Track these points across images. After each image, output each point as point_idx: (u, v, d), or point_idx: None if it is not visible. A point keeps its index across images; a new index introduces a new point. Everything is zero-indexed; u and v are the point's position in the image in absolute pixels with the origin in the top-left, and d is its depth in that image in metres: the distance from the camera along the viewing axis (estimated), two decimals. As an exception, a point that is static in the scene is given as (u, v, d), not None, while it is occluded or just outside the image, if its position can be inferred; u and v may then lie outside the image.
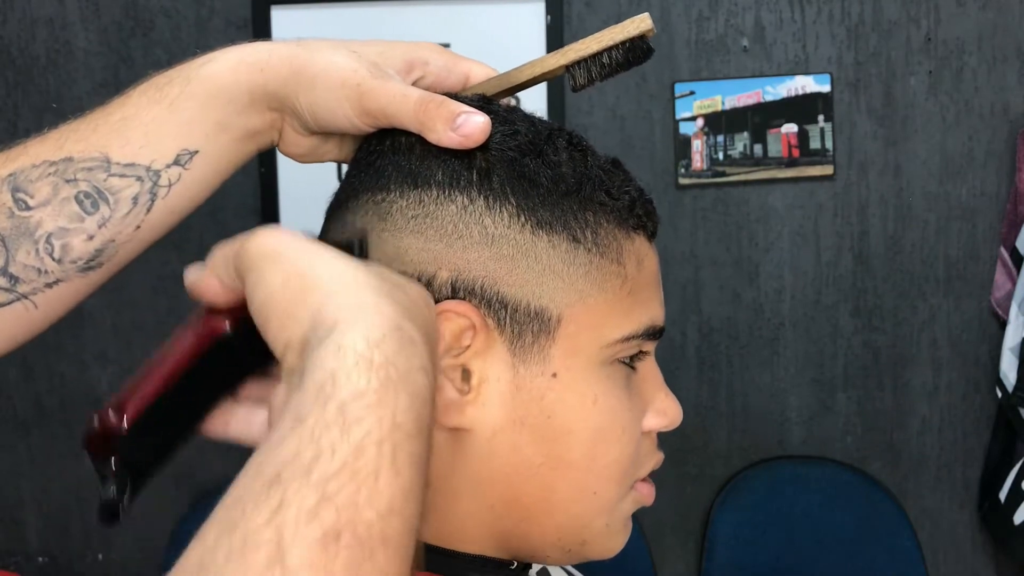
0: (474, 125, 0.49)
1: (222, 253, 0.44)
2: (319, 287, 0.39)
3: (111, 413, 0.43)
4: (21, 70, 1.53)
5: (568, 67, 0.55)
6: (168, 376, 0.44)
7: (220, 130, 0.52)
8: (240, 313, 0.44)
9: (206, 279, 0.44)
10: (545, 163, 0.50)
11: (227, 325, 0.44)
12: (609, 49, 0.54)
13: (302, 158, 0.57)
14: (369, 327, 0.37)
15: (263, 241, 0.42)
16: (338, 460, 0.32)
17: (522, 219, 0.49)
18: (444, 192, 0.49)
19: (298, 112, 0.52)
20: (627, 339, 0.51)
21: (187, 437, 0.47)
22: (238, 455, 0.37)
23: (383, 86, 0.50)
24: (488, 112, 0.50)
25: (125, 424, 0.43)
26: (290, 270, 0.40)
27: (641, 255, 0.53)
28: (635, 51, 0.54)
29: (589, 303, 0.50)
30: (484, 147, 0.50)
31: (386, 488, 0.33)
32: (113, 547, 1.60)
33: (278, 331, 0.39)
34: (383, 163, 0.51)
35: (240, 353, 0.45)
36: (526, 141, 0.50)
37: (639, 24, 0.53)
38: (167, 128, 0.51)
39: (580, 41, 0.54)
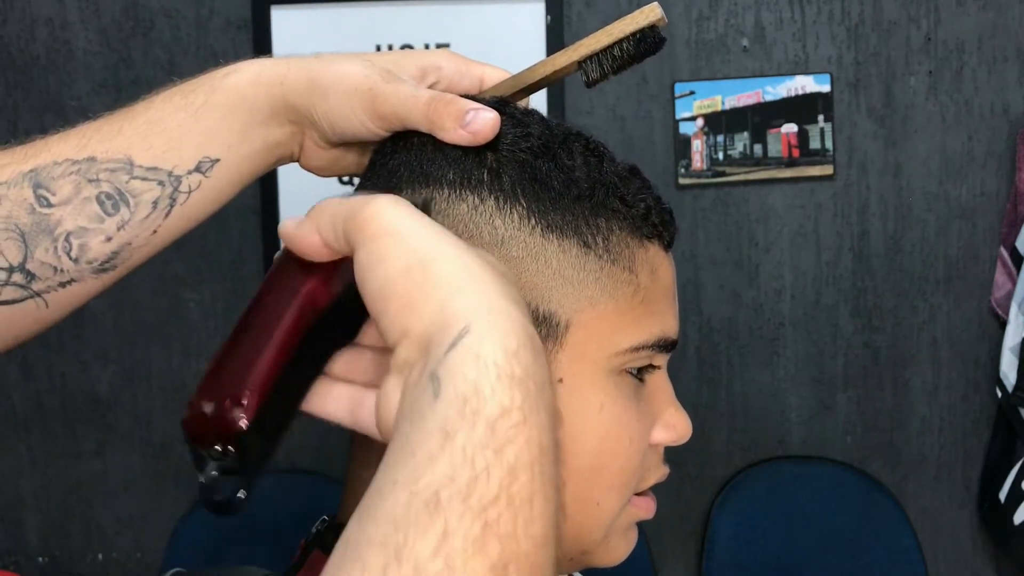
0: (483, 121, 0.48)
1: (330, 212, 0.42)
2: (444, 280, 0.38)
3: (228, 397, 0.40)
4: (21, 70, 1.53)
5: (580, 63, 0.54)
6: (279, 353, 0.41)
7: (241, 140, 0.52)
8: (337, 277, 0.42)
9: (307, 234, 0.42)
10: (557, 166, 0.50)
11: (330, 294, 0.42)
12: (620, 42, 0.53)
13: (323, 171, 0.57)
14: (505, 335, 0.36)
15: (383, 213, 0.40)
16: (494, 484, 0.33)
17: (532, 221, 0.48)
18: (455, 191, 0.49)
19: (316, 123, 0.52)
20: (636, 349, 0.50)
21: (295, 417, 0.44)
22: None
23: (394, 89, 0.50)
24: (504, 114, 0.50)
25: (247, 412, 0.40)
26: (412, 256, 0.39)
27: (655, 264, 0.52)
28: (646, 42, 0.53)
29: (599, 310, 0.49)
30: (496, 148, 0.49)
31: (539, 516, 0.33)
32: (113, 547, 1.60)
33: (394, 318, 0.39)
34: (395, 163, 0.51)
35: (337, 323, 0.43)
36: (539, 144, 0.50)
37: (648, 14, 0.53)
38: (190, 135, 0.51)
39: (590, 36, 0.54)
